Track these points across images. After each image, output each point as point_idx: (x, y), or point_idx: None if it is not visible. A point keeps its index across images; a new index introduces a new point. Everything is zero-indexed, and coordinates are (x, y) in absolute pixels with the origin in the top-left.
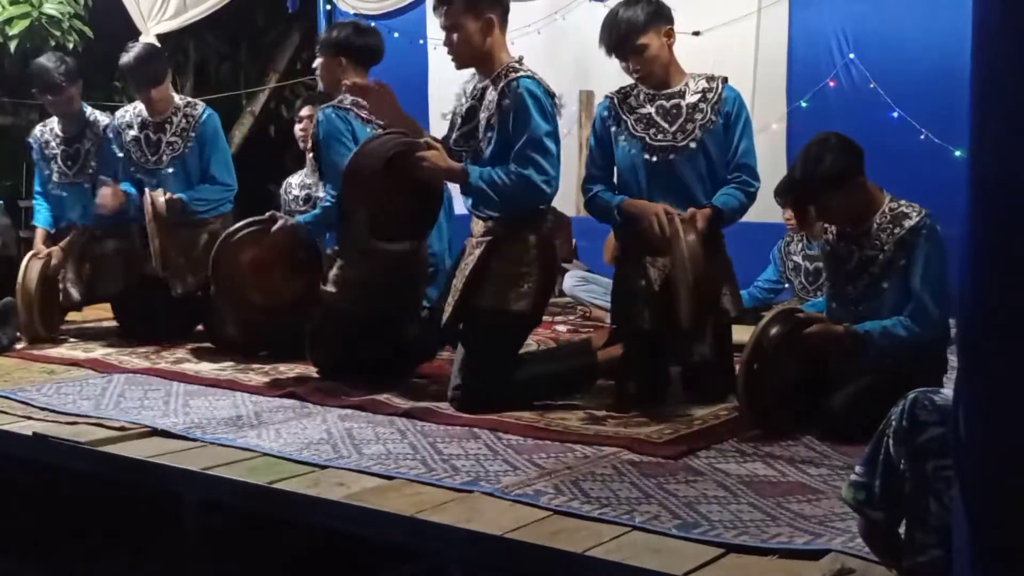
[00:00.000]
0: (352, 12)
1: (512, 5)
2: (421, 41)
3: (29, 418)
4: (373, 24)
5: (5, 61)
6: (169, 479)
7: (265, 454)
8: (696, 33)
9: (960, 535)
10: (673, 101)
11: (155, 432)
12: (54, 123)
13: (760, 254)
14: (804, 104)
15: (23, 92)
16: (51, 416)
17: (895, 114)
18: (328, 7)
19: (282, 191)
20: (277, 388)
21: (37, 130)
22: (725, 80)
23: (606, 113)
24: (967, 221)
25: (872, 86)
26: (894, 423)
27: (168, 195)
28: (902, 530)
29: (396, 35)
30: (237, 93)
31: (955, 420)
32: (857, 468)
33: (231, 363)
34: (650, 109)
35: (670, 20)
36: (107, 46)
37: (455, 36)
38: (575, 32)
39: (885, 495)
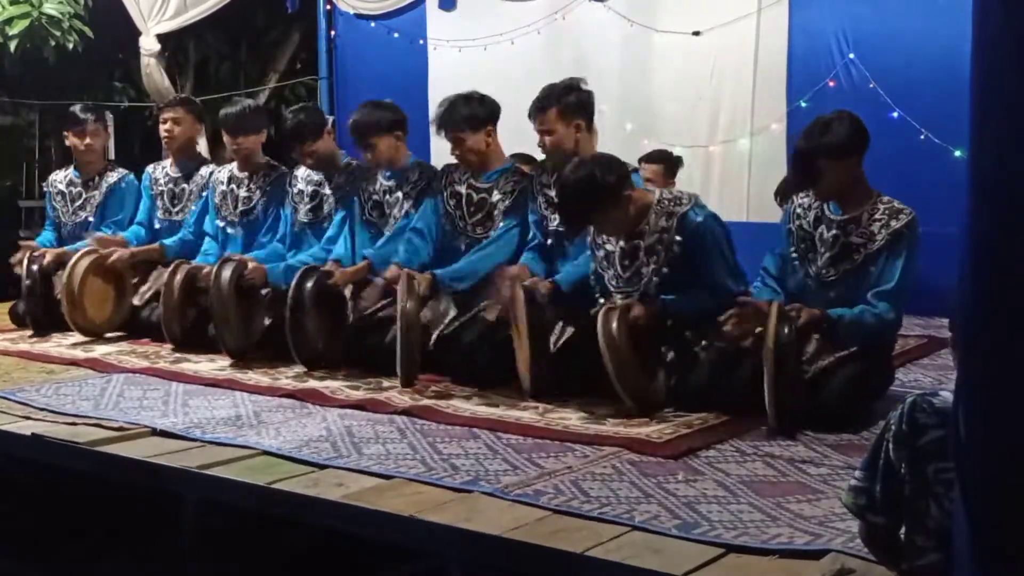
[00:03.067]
0: (352, 12)
1: (512, 5)
2: (421, 41)
3: (28, 418)
4: (373, 24)
5: (5, 61)
6: (169, 479)
7: (265, 452)
8: (696, 33)
9: (960, 535)
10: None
11: (154, 432)
12: (167, 162)
13: (760, 254)
14: (804, 104)
15: (23, 92)
16: (50, 416)
17: (895, 114)
18: (328, 7)
19: (287, 183)
20: (276, 388)
21: (151, 167)
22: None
23: None
24: (967, 221)
25: (872, 86)
26: (894, 427)
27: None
28: (903, 532)
29: (396, 35)
30: (237, 93)
31: (955, 421)
32: (857, 473)
33: (230, 363)
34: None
35: None
36: (107, 46)
37: (548, 139)
38: (575, 32)
39: (885, 499)
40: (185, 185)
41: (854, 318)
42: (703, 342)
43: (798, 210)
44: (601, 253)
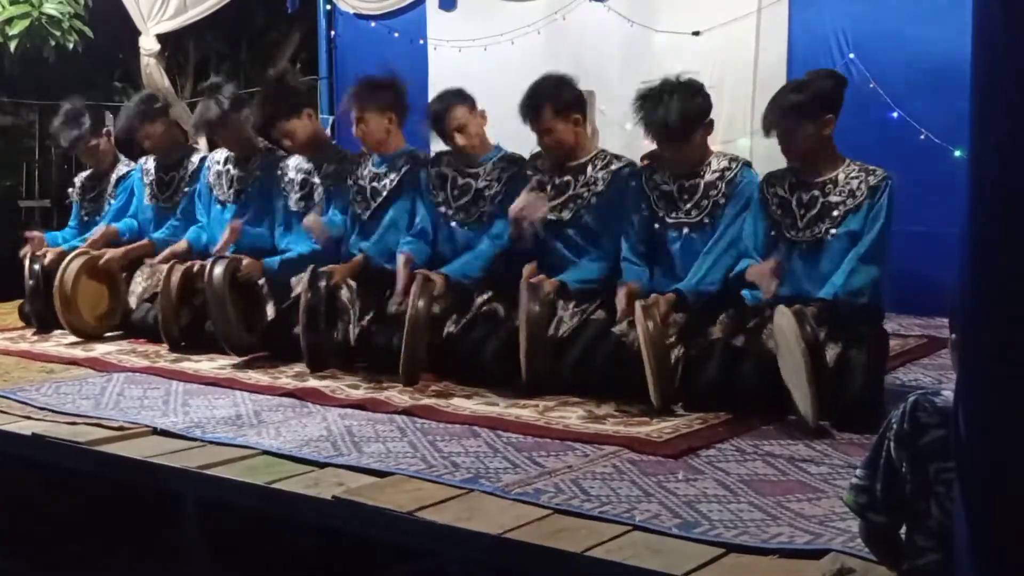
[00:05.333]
0: (352, 12)
1: (512, 5)
2: (421, 41)
3: (29, 418)
4: (373, 24)
5: (5, 61)
6: (169, 479)
7: (265, 452)
8: (696, 33)
9: (961, 535)
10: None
11: (155, 432)
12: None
13: None
14: None
15: (23, 92)
16: (50, 416)
17: (895, 114)
18: (328, 7)
19: (279, 172)
20: (276, 387)
21: (143, 158)
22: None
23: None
24: (967, 221)
25: (872, 86)
26: (895, 426)
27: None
28: (903, 532)
29: (396, 35)
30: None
31: (956, 421)
32: (858, 471)
33: (232, 362)
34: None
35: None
36: (107, 46)
37: (548, 139)
38: (575, 32)
39: (886, 498)
40: (175, 173)
41: (846, 286)
42: (713, 338)
43: (771, 180)
44: (656, 194)
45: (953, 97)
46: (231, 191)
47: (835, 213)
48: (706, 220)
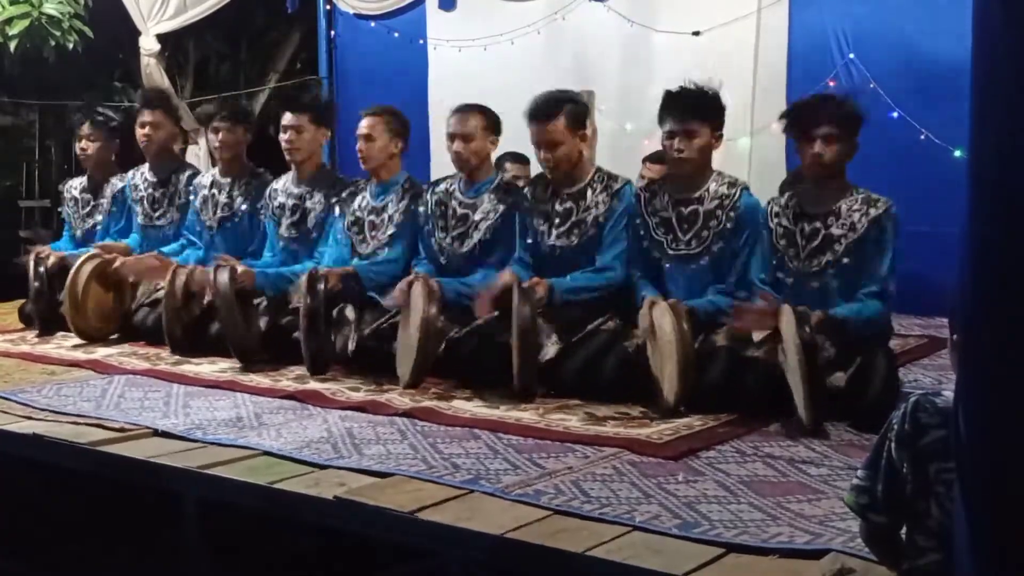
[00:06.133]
0: (352, 12)
1: (512, 5)
2: (421, 41)
3: (30, 418)
4: (373, 24)
5: (5, 61)
6: (170, 478)
7: (265, 453)
8: (696, 33)
9: (961, 535)
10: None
11: (156, 433)
12: (145, 167)
13: None
14: None
15: (23, 92)
16: (52, 417)
17: (895, 114)
18: (328, 7)
19: (266, 196)
20: (277, 389)
21: (130, 173)
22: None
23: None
24: (967, 221)
25: (872, 86)
26: (896, 426)
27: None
28: (904, 532)
29: (396, 35)
30: (237, 93)
31: (956, 421)
32: (859, 472)
33: (237, 366)
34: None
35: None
36: (107, 46)
37: (554, 153)
38: (575, 32)
39: (887, 499)
40: (164, 190)
41: (856, 316)
42: (717, 343)
43: (775, 208)
44: (655, 220)
45: (953, 97)
46: (216, 217)
47: (836, 246)
48: (706, 254)
